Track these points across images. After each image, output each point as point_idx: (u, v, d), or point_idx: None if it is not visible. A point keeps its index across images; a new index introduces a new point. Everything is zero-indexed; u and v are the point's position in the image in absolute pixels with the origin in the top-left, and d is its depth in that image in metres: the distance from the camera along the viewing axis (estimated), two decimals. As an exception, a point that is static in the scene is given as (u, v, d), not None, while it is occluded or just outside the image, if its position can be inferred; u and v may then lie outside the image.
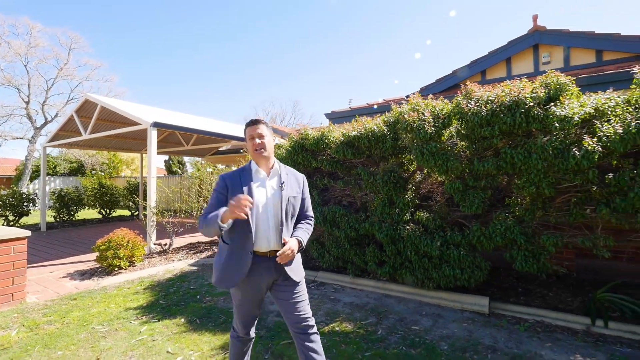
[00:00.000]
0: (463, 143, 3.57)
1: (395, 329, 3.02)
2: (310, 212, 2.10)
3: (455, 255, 3.37)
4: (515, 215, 3.31)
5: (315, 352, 1.85)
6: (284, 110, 54.08)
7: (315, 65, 66.80)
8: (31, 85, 17.66)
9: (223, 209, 1.67)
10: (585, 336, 2.85)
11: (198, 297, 3.95)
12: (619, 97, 3.02)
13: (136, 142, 11.36)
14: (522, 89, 3.07)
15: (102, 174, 16.61)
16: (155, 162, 6.44)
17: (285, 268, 1.85)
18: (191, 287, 4.30)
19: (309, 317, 1.90)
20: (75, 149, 14.93)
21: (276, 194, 1.87)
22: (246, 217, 1.64)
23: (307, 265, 5.07)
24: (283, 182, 1.90)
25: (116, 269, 5.05)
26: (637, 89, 2.86)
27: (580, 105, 2.89)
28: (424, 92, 7.21)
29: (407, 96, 7.35)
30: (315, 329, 1.91)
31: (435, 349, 2.65)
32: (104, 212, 12.18)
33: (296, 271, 1.92)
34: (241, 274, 1.80)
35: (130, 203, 12.65)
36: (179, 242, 7.09)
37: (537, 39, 6.06)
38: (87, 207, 11.83)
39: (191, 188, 6.60)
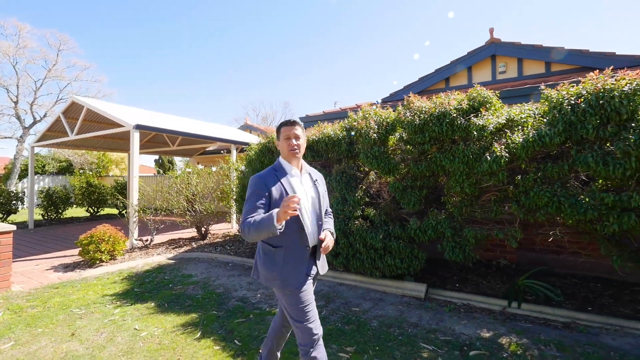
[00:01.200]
0: (408, 147, 4.02)
1: (338, 310, 3.45)
2: (329, 208, 2.17)
3: (395, 247, 3.82)
4: (447, 212, 3.77)
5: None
6: (274, 110, 54.49)
7: (311, 66, 67.23)
8: (20, 85, 17.82)
9: (275, 211, 1.60)
10: (499, 315, 3.32)
11: (170, 285, 4.35)
12: (537, 109, 3.49)
13: (124, 142, 11.66)
14: (450, 102, 3.52)
15: (91, 173, 16.84)
16: (137, 162, 6.80)
17: (317, 263, 1.91)
18: (165, 278, 4.70)
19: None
20: (64, 149, 15.13)
21: (313, 191, 1.94)
22: (298, 214, 1.73)
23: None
24: (316, 180, 1.99)
25: (98, 262, 5.41)
26: (546, 103, 3.33)
27: (496, 117, 3.36)
28: (394, 97, 7.69)
29: (383, 100, 7.82)
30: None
31: (366, 325, 3.09)
32: (91, 211, 12.45)
33: (324, 264, 2.00)
34: (303, 269, 1.83)
35: (118, 202, 12.95)
36: (160, 238, 7.46)
37: (493, 50, 6.55)
38: (75, 206, 12.09)
39: (172, 187, 6.97)
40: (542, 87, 3.34)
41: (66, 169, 19.67)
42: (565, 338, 2.81)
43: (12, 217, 11.46)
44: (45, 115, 18.47)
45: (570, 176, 3.10)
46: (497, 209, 3.46)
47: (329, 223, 2.03)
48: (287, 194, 1.78)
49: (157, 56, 66.02)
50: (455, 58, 6.96)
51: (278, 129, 1.94)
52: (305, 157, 4.57)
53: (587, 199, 2.87)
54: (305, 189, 1.89)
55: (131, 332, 3.03)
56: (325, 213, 2.07)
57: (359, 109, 4.50)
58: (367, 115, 4.09)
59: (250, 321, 3.22)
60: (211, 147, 13.70)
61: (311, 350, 1.78)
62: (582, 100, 2.92)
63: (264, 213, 1.73)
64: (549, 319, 3.20)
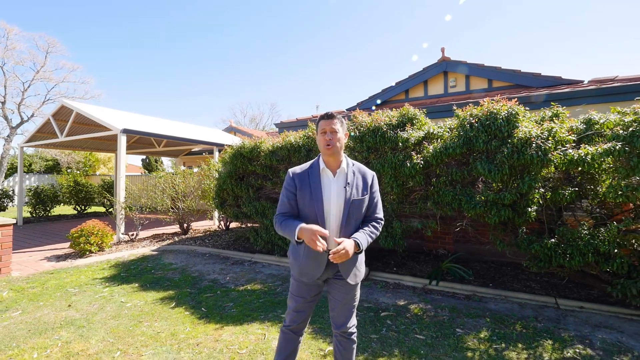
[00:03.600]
0: (355, 154, 4.81)
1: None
2: (379, 214, 1.96)
3: (341, 237, 4.60)
4: (385, 208, 4.57)
5: (344, 356, 1.96)
6: (261, 112, 55.27)
7: (300, 66, 67.90)
8: (7, 86, 18.07)
9: (299, 227, 1.69)
10: (419, 291, 4.13)
11: (152, 271, 5.04)
12: (455, 125, 4.31)
13: (111, 143, 12.19)
14: (383, 118, 4.32)
15: (78, 172, 17.19)
16: (124, 163, 7.43)
17: (340, 267, 1.84)
18: (148, 265, 5.38)
19: (350, 324, 1.94)
20: (52, 149, 15.50)
21: (340, 196, 1.82)
22: (316, 214, 1.75)
23: (245, 249, 6.22)
24: (348, 184, 1.83)
25: (87, 253, 6.05)
26: (457, 120, 4.15)
27: (417, 131, 4.17)
28: (361, 106, 8.50)
29: (348, 109, 8.63)
30: (353, 336, 1.96)
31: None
32: (79, 209, 12.91)
33: (350, 272, 1.86)
34: (320, 269, 1.83)
35: (105, 200, 13.44)
36: (145, 233, 8.10)
37: (444, 67, 7.43)
38: (62, 204, 12.53)
39: (156, 186, 7.62)
40: (454, 107, 4.17)
41: (52, 167, 19.92)
42: (460, 304, 3.63)
43: (0, 214, 11.86)
44: (32, 116, 18.75)
45: (469, 179, 3.93)
46: (421, 205, 4.28)
47: (361, 233, 1.83)
48: (311, 193, 1.82)
49: (147, 56, 65.71)
50: (413, 72, 7.81)
51: (317, 123, 1.88)
52: (271, 161, 5.33)
53: (478, 197, 3.71)
54: (332, 191, 1.83)
55: (118, 303, 3.73)
56: (371, 220, 1.92)
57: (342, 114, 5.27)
58: (321, 127, 4.86)
59: (217, 295, 3.96)
60: (196, 149, 14.30)
61: (282, 328, 2.02)
62: (476, 120, 3.76)
63: (293, 204, 1.86)
64: (456, 293, 4.03)
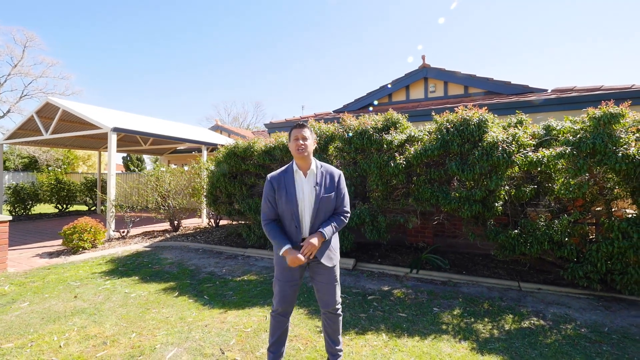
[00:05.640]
0: (344, 154, 5.20)
1: (284, 278, 4.56)
2: (346, 207, 2.22)
3: (331, 231, 4.99)
4: (370, 204, 4.99)
5: (333, 329, 2.25)
6: (245, 110, 55.09)
7: (286, 65, 67.77)
8: (-19, 80, 17.32)
9: (284, 249, 2.00)
10: (402, 278, 4.57)
11: (149, 265, 5.26)
12: (433, 129, 4.77)
13: (94, 140, 12.06)
14: (369, 122, 4.73)
15: (59, 170, 16.75)
16: (114, 161, 7.51)
17: (317, 253, 2.09)
18: (144, 260, 5.58)
19: (334, 302, 2.18)
20: (32, 146, 15.07)
21: (311, 194, 2.09)
22: (292, 212, 2.04)
23: (237, 244, 6.51)
24: (317, 183, 2.10)
25: (80, 249, 6.16)
26: (435, 124, 4.61)
27: (400, 135, 4.61)
28: (347, 108, 8.91)
29: (334, 111, 9.02)
30: (339, 312, 2.23)
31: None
32: (60, 207, 12.67)
33: (327, 257, 2.12)
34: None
35: (88, 198, 13.23)
36: (135, 231, 8.20)
37: (424, 74, 7.95)
38: (43, 202, 12.27)
39: (147, 184, 7.75)
40: (433, 113, 4.63)
41: (29, 165, 19.26)
42: (437, 289, 4.10)
43: (-24, 214, 11.51)
44: (8, 111, 18.05)
45: (446, 178, 4.41)
46: (404, 201, 4.73)
47: (328, 223, 2.11)
48: (287, 194, 2.08)
49: (129, 52, 63.77)
50: (396, 78, 8.30)
51: (289, 132, 2.16)
52: (264, 161, 5.64)
53: (453, 194, 4.18)
54: (305, 190, 2.10)
55: (123, 294, 3.97)
56: (339, 212, 2.18)
57: (307, 121, 5.63)
58: (312, 127, 5.22)
59: (216, 285, 4.25)
60: (182, 147, 14.31)
61: (271, 312, 2.27)
62: (452, 125, 4.23)
63: (274, 205, 2.13)
64: (434, 279, 4.50)
